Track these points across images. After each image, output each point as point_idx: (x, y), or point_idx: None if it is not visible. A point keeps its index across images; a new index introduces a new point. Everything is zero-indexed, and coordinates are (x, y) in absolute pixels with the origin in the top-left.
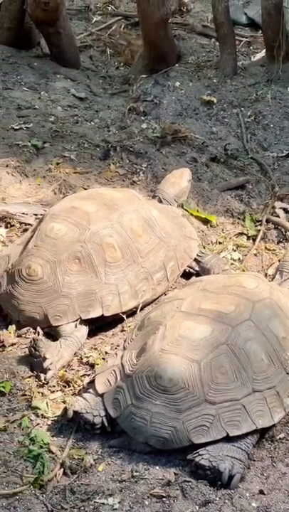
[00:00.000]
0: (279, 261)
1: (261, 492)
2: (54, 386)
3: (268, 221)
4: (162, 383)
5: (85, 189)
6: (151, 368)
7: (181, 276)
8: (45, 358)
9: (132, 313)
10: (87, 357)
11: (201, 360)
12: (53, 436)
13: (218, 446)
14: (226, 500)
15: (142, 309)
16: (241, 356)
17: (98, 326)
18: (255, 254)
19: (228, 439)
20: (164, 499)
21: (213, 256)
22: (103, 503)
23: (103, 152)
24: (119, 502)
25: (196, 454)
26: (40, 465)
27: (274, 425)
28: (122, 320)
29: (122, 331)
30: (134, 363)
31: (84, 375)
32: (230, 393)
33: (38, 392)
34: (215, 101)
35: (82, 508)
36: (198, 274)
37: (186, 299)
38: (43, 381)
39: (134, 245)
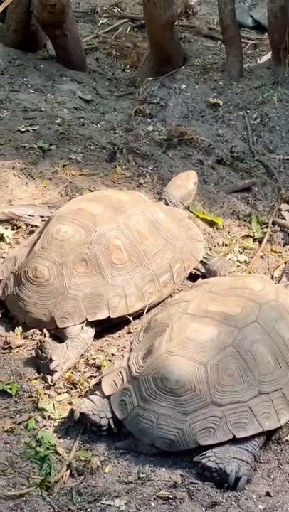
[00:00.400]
0: (285, 263)
1: (268, 494)
2: (60, 388)
3: (274, 223)
4: (169, 385)
5: (92, 191)
6: (157, 369)
7: (188, 279)
8: (51, 360)
9: (138, 315)
10: (93, 359)
11: (208, 362)
12: (59, 438)
13: (224, 448)
14: (233, 502)
15: (148, 311)
16: (248, 358)
17: (104, 327)
18: (262, 257)
19: (234, 441)
20: (170, 501)
21: (220, 258)
22: (110, 505)
23: (109, 154)
24: (125, 504)
25: (203, 456)
26: (46, 466)
27: (280, 427)
28: (128, 322)
29: (129, 332)
30: (141, 364)
31: (90, 377)
32: (236, 395)
33: (45, 394)
34: (221, 103)
35: (89, 509)
36: (204, 276)
37: (193, 301)
38: (50, 383)
39: (140, 247)
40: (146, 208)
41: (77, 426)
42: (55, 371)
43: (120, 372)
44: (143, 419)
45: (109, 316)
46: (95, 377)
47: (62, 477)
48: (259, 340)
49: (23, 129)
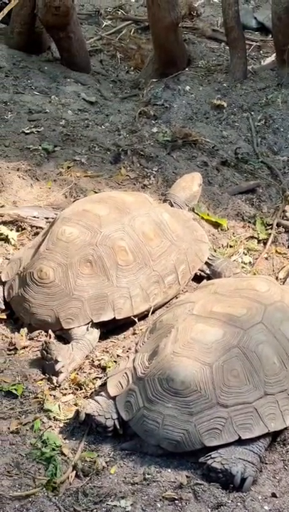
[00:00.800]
0: None
1: (273, 495)
2: (66, 389)
3: (278, 225)
4: (174, 386)
5: (96, 193)
6: (163, 370)
7: (192, 280)
8: (57, 361)
9: (143, 316)
10: (98, 360)
11: (213, 363)
12: (65, 439)
13: (230, 449)
14: (238, 503)
15: (153, 312)
16: (253, 359)
17: (110, 329)
18: (266, 258)
19: (240, 442)
20: (176, 502)
21: (224, 259)
22: (115, 506)
23: (114, 156)
24: (131, 504)
25: (208, 457)
26: (52, 467)
27: (286, 428)
28: (133, 323)
29: (134, 334)
30: (146, 365)
31: (96, 378)
32: (242, 396)
33: (50, 395)
34: (225, 105)
35: (95, 510)
36: (209, 278)
37: (198, 302)
38: (55, 384)
39: (145, 248)
40: (152, 210)
41: (83, 427)
42: (61, 372)
43: (126, 373)
44: (148, 420)
45: (114, 318)
46: (100, 378)
47: (68, 478)
48: (264, 342)
49: (28, 131)
